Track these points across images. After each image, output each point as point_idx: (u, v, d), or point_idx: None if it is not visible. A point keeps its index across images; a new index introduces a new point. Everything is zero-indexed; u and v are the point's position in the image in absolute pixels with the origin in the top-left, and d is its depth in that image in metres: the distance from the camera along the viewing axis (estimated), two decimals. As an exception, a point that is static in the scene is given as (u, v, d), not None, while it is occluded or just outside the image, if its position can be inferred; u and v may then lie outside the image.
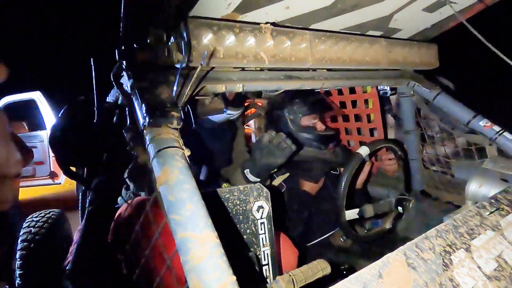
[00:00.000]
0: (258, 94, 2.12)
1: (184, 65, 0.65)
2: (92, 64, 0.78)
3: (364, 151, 1.24)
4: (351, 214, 1.25)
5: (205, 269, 0.38)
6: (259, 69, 0.91)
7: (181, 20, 0.65)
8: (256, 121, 2.29)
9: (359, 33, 0.99)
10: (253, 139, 2.36)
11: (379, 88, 1.42)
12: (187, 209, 0.44)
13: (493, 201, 0.68)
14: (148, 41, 0.69)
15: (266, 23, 0.76)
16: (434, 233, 0.55)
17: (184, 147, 0.57)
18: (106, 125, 0.80)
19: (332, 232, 1.49)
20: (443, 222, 1.01)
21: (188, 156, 0.57)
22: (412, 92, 1.35)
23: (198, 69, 0.59)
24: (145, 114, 0.58)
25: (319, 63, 0.84)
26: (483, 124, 1.12)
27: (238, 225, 0.83)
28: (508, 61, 0.69)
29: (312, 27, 0.92)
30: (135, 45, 0.71)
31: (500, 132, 1.07)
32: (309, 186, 1.44)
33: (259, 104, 2.12)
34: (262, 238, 0.87)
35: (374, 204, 1.25)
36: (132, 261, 0.60)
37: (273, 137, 1.16)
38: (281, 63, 0.78)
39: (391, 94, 1.42)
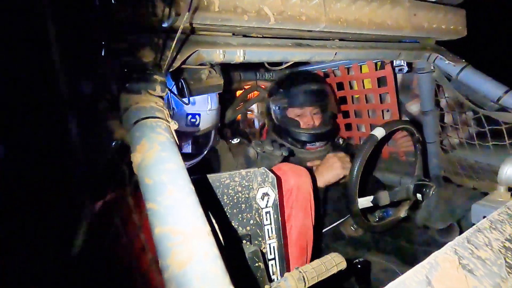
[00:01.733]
0: (261, 76, 1.99)
1: (169, 22, 0.53)
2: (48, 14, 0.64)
3: (379, 132, 1.11)
4: (364, 202, 1.14)
5: (191, 278, 0.26)
6: (264, 34, 0.78)
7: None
8: (260, 105, 2.17)
9: (379, -8, 0.85)
10: (256, 125, 2.24)
11: (395, 64, 1.27)
12: (168, 195, 0.33)
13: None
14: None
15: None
16: (487, 225, 0.43)
17: (170, 119, 0.45)
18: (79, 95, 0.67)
19: (342, 220, 1.39)
20: (472, 211, 0.90)
21: (175, 130, 0.46)
22: (432, 67, 1.21)
23: (183, 21, 0.47)
24: (121, 79, 0.46)
25: (333, 24, 0.71)
26: (516, 100, 0.99)
27: (240, 215, 0.73)
28: None
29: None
30: (112, 1, 0.59)
31: (537, 108, 0.94)
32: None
33: (262, 86, 1.99)
34: (268, 229, 0.76)
35: (390, 191, 1.14)
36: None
37: (259, 149, 1.11)
38: (289, 22, 0.65)
39: (408, 71, 1.28)
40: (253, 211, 0.74)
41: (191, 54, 0.62)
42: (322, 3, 0.68)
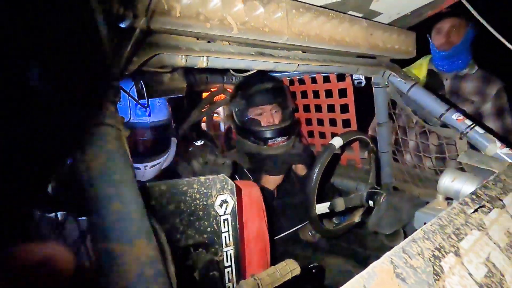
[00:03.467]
0: (228, 79, 1.99)
1: (127, 23, 0.51)
2: None
3: (337, 142, 1.17)
4: (321, 208, 1.18)
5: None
6: (228, 42, 0.79)
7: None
8: (225, 108, 2.16)
9: (340, 10, 0.90)
10: (222, 128, 2.23)
11: (353, 77, 1.35)
12: (113, 209, 0.31)
13: (474, 197, 0.63)
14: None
15: (235, -18, 0.63)
16: (421, 235, 0.47)
17: (122, 127, 0.43)
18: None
19: (301, 226, 1.43)
20: (415, 218, 0.99)
21: (127, 137, 0.44)
22: (386, 83, 1.30)
23: (140, 24, 0.45)
24: (69, 82, 0.43)
25: (295, 37, 0.73)
26: (455, 117, 1.10)
27: (197, 223, 0.72)
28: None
29: (289, -3, 0.81)
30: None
31: (472, 126, 1.06)
32: (268, 182, 1.37)
33: (229, 90, 1.99)
34: (225, 236, 0.76)
35: (345, 197, 1.20)
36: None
37: (203, 161, 1.12)
38: (252, 33, 0.66)
39: (364, 85, 1.37)
40: (211, 219, 0.73)
41: (150, 58, 0.60)
42: (285, 16, 0.70)
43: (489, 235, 0.54)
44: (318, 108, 1.74)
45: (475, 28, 1.55)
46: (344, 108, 1.60)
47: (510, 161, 0.94)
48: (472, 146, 1.09)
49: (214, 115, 2.26)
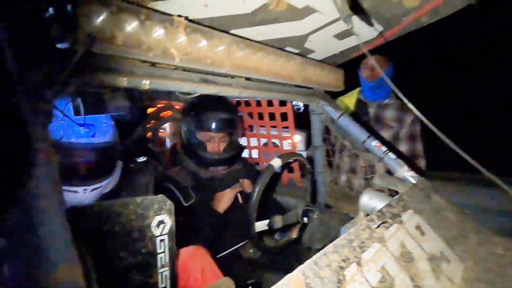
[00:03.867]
0: (175, 97, 1.99)
1: (65, 45, 0.51)
2: None
3: (276, 163, 1.26)
4: (260, 225, 1.25)
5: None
6: (172, 67, 0.82)
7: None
8: (172, 125, 2.14)
9: (278, 47, 1.01)
10: (167, 144, 2.19)
11: (293, 103, 1.49)
12: (36, 235, 0.32)
13: (379, 214, 0.75)
14: (17, 3, 0.53)
15: (180, 16, 0.68)
16: (331, 249, 0.55)
17: (53, 150, 0.43)
18: None
19: (242, 243, 1.47)
20: (340, 233, 1.11)
21: (67, 157, 0.44)
22: (321, 111, 1.46)
23: (79, 53, 0.47)
24: (-5, 101, 0.43)
25: (236, 69, 0.80)
26: (374, 144, 1.28)
27: (131, 244, 0.71)
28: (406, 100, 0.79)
29: (232, 31, 0.89)
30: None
31: (386, 152, 1.24)
32: (217, 203, 1.41)
33: (176, 107, 1.99)
34: (161, 257, 0.76)
35: (283, 215, 1.28)
36: None
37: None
38: (194, 63, 0.71)
39: (302, 111, 1.52)
40: (146, 240, 0.73)
41: (90, 78, 0.61)
42: (227, 50, 0.77)
43: (387, 246, 0.65)
44: (263, 129, 1.84)
45: (393, 66, 1.86)
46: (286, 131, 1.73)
47: (414, 182, 1.13)
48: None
49: (160, 130, 2.22)
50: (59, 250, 0.33)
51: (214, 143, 1.44)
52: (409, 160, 1.67)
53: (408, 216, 0.81)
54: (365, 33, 1.08)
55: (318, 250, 1.21)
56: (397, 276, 0.59)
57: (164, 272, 0.76)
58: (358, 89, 2.00)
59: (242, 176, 1.51)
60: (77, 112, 0.87)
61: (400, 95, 0.77)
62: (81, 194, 1.00)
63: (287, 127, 1.70)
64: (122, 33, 0.56)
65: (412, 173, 1.18)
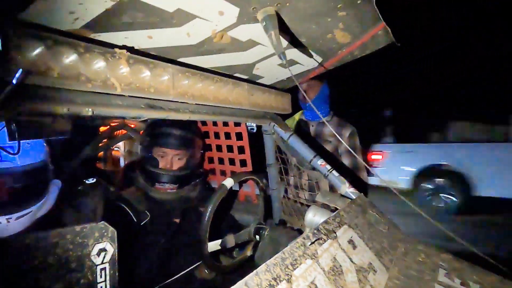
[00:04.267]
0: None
1: (-4, 77, 0.51)
2: None
3: (229, 182, 1.30)
4: (213, 245, 1.26)
5: None
6: (112, 94, 0.83)
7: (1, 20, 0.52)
8: (127, 143, 2.09)
9: (227, 73, 1.07)
10: (121, 163, 2.12)
11: (247, 124, 1.55)
12: None
13: (315, 231, 0.82)
14: None
15: (123, 47, 0.71)
16: (264, 268, 0.60)
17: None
18: None
19: (196, 265, 1.46)
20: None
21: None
22: (272, 131, 1.54)
23: (9, 88, 0.48)
24: None
25: (181, 97, 0.84)
26: (319, 163, 1.38)
27: (67, 275, 0.69)
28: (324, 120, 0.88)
29: (179, 59, 0.93)
30: None
31: (330, 170, 1.35)
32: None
33: (131, 125, 1.96)
34: (101, 286, 0.74)
35: (236, 234, 1.31)
36: None
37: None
38: (138, 92, 0.73)
39: (255, 131, 1.60)
40: (85, 269, 0.71)
41: (26, 108, 0.60)
42: (171, 79, 0.81)
43: (319, 262, 0.72)
44: (219, 148, 1.88)
45: (328, 86, 2.04)
46: (241, 150, 1.78)
47: (353, 197, 1.24)
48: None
49: (115, 149, 2.15)
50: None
51: (167, 159, 1.43)
52: (351, 175, 1.82)
53: (342, 231, 0.89)
54: (305, 63, 1.19)
55: (268, 267, 1.27)
56: (324, 289, 0.65)
57: (104, 302, 0.74)
58: (300, 112, 2.20)
59: (196, 201, 1.51)
60: (12, 137, 0.83)
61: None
62: (4, 224, 0.92)
63: (242, 146, 1.75)
64: (58, 66, 0.58)
65: (352, 189, 1.29)
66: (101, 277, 0.74)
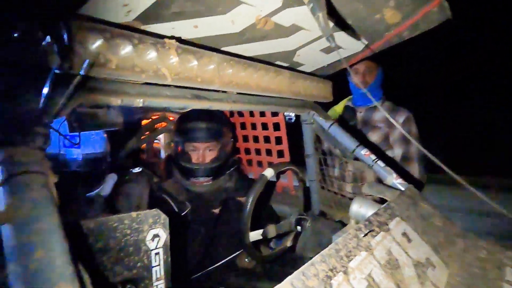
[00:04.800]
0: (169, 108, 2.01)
1: (62, 70, 0.54)
2: None
3: (269, 172, 1.29)
4: (255, 235, 1.26)
5: None
6: (163, 86, 0.85)
7: (62, 17, 0.55)
8: (167, 136, 2.16)
9: (267, 61, 1.05)
10: (162, 155, 2.21)
11: (285, 113, 1.53)
12: (35, 257, 0.34)
13: (367, 223, 0.78)
14: (15, 34, 0.56)
15: (172, 37, 0.72)
16: (319, 259, 0.58)
17: (49, 172, 0.46)
18: None
19: (236, 254, 1.48)
20: (332, 241, 1.13)
21: (56, 183, 0.46)
22: (312, 121, 1.50)
23: (76, 80, 0.50)
24: (-5, 126, 0.45)
25: (226, 86, 0.84)
26: (363, 152, 1.32)
27: (126, 259, 0.73)
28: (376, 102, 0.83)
29: (222, 49, 0.93)
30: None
31: (375, 160, 1.28)
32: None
33: (170, 118, 2.02)
34: (156, 270, 0.78)
35: (277, 224, 1.30)
36: None
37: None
38: (186, 82, 0.74)
39: (294, 121, 1.56)
40: (141, 253, 0.75)
41: (86, 100, 0.63)
42: (216, 68, 0.80)
43: (374, 254, 0.68)
44: (256, 139, 1.87)
45: (383, 70, 1.85)
46: (279, 140, 1.76)
47: (402, 189, 1.17)
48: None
49: (155, 141, 2.24)
50: (58, 268, 0.35)
51: (198, 153, 1.45)
52: (398, 167, 1.69)
53: (395, 224, 0.84)
54: (350, 46, 1.13)
55: (311, 258, 1.25)
56: (382, 283, 0.62)
57: (159, 285, 0.78)
58: (348, 98, 2.03)
59: (233, 191, 1.51)
60: (72, 129, 0.90)
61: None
62: None
63: (280, 137, 1.73)
64: (116, 57, 0.59)
65: (400, 180, 1.22)
66: (155, 261, 0.77)
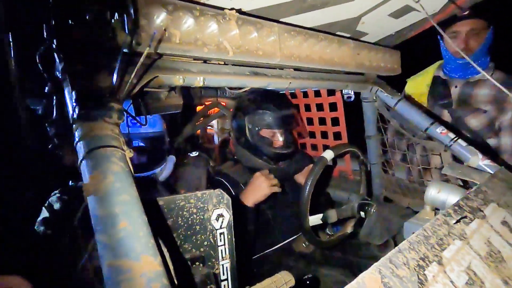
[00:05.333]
0: (222, 93, 2.03)
1: (130, 48, 0.54)
2: (10, 40, 0.63)
3: (328, 154, 1.21)
4: (314, 219, 1.21)
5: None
6: (222, 63, 0.83)
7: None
8: (220, 121, 2.20)
9: (328, 31, 0.96)
10: (215, 141, 2.25)
11: (343, 92, 1.41)
12: (120, 228, 0.34)
13: (457, 208, 0.67)
14: (87, 16, 0.57)
15: (231, 9, 0.68)
16: (406, 246, 0.51)
17: (125, 147, 0.46)
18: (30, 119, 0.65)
19: (294, 237, 1.45)
20: (404, 228, 1.02)
21: (130, 158, 0.47)
22: (374, 98, 1.36)
23: (145, 53, 0.49)
24: (75, 104, 0.46)
25: (287, 59, 0.78)
26: (439, 131, 1.15)
27: (194, 237, 0.73)
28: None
29: (281, 20, 0.86)
30: (69, 21, 0.58)
31: (455, 139, 1.11)
32: (247, 199, 1.39)
33: (222, 103, 2.03)
34: (222, 250, 0.78)
35: (338, 209, 1.23)
36: None
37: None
38: (247, 55, 0.70)
39: (354, 99, 1.43)
40: (208, 233, 0.75)
41: (151, 80, 0.63)
42: (277, 40, 0.75)
43: (470, 244, 0.58)
44: (310, 121, 1.79)
45: (494, 30, 1.36)
46: (335, 121, 1.65)
47: (491, 172, 1.00)
48: (456, 158, 1.14)
49: (208, 127, 2.30)
50: (141, 239, 0.34)
51: (279, 137, 1.42)
52: (483, 147, 1.41)
53: (491, 210, 0.71)
54: (428, 6, 0.97)
55: (379, 245, 1.15)
56: (486, 278, 0.52)
57: (225, 264, 0.78)
58: (436, 63, 1.60)
59: (302, 165, 1.50)
60: (138, 112, 0.93)
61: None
62: None
63: (337, 118, 1.62)
64: (179, 31, 0.58)
65: (488, 161, 1.04)
66: (220, 241, 0.77)
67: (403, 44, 1.24)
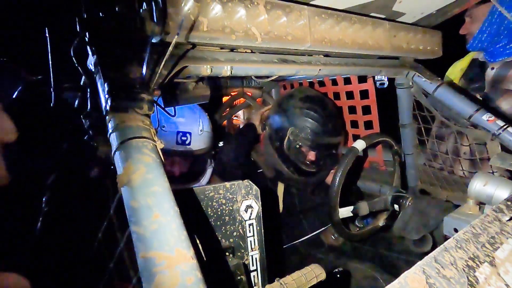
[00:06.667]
0: (247, 83, 2.01)
1: (158, 38, 0.53)
2: (46, 35, 0.65)
3: (360, 145, 1.16)
4: (344, 212, 1.17)
5: (174, 304, 0.28)
6: (249, 51, 0.80)
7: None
8: (246, 111, 2.18)
9: (362, 13, 0.89)
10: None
11: (376, 78, 1.33)
12: (153, 220, 0.34)
13: (509, 203, 0.61)
14: (116, 8, 0.57)
15: (259, -7, 0.65)
16: (453, 244, 0.46)
17: (156, 138, 0.46)
18: (65, 110, 0.68)
19: (323, 229, 1.42)
20: (444, 223, 0.96)
21: (161, 149, 0.46)
22: (410, 83, 1.27)
23: (174, 42, 0.48)
24: (107, 96, 0.47)
25: (318, 44, 0.73)
26: (486, 118, 1.05)
27: (223, 228, 0.74)
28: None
29: (311, 3, 0.82)
30: (100, 13, 0.59)
31: (505, 127, 1.01)
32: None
33: (248, 93, 2.02)
34: (251, 241, 0.77)
35: (369, 201, 1.18)
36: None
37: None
38: (275, 41, 0.67)
39: (387, 86, 1.34)
40: (237, 224, 0.75)
41: (180, 70, 0.63)
42: (307, 24, 0.71)
43: (527, 244, 0.52)
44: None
45: None
46: (366, 110, 1.57)
47: (547, 163, 0.89)
48: (505, 148, 1.04)
49: (234, 118, 2.30)
50: (174, 231, 0.34)
51: (313, 156, 1.38)
52: None
53: (550, 207, 0.63)
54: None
55: (415, 241, 1.09)
56: (548, 283, 0.46)
57: (254, 255, 0.77)
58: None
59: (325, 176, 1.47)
60: (167, 103, 0.94)
61: None
62: None
63: (368, 106, 1.54)
64: (206, 19, 0.56)
65: (543, 152, 0.93)
66: (249, 232, 0.77)
67: (445, 23, 1.13)
